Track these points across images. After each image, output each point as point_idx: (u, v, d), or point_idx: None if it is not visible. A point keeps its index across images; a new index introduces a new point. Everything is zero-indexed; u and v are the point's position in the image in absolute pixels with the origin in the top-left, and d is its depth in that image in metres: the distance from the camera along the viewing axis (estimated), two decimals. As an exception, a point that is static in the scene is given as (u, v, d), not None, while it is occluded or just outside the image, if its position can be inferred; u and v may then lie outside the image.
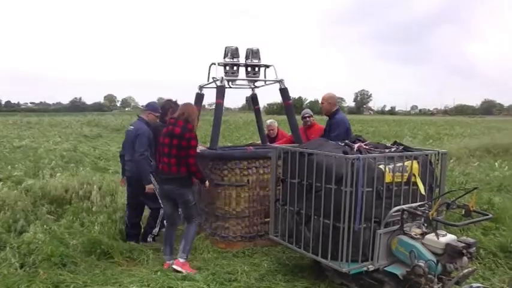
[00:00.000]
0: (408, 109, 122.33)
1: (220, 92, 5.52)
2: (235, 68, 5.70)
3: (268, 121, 7.29)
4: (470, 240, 3.56)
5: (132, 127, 5.26)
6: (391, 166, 3.82)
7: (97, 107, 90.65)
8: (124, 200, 6.36)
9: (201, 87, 5.93)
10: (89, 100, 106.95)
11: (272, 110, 70.12)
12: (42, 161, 10.07)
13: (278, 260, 4.78)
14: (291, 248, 4.31)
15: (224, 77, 5.56)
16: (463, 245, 3.45)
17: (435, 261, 3.43)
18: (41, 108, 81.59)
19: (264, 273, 4.35)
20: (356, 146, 4.10)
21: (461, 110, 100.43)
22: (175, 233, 4.79)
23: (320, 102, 5.87)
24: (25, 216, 5.47)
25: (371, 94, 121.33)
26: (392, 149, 4.21)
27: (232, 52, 5.67)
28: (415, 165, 4.01)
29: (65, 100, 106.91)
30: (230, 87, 5.85)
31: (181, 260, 4.42)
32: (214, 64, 5.61)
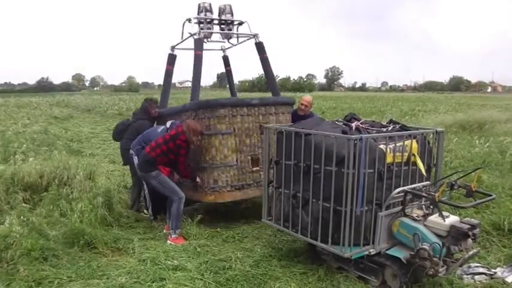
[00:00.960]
0: (379, 85, 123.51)
1: (199, 43, 5.50)
2: (209, 25, 5.71)
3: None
4: (474, 221, 3.47)
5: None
6: (391, 146, 3.67)
7: (65, 87, 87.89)
8: (104, 183, 6.17)
9: (173, 48, 5.97)
10: (56, 80, 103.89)
11: (244, 87, 69.51)
12: (12, 144, 9.52)
13: (271, 244, 4.62)
14: (287, 232, 4.14)
15: (201, 31, 5.56)
16: (468, 226, 3.37)
17: (440, 244, 3.33)
18: (6, 89, 78.58)
19: (259, 259, 4.18)
20: (354, 125, 3.92)
21: (430, 87, 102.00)
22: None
23: (303, 104, 5.90)
24: (-2, 205, 5.11)
25: (342, 71, 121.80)
26: (390, 128, 4.05)
27: (206, 8, 5.65)
28: (414, 144, 3.87)
29: (31, 80, 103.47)
30: (206, 42, 5.81)
31: (173, 236, 4.71)
32: (190, 21, 5.61)
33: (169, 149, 4.71)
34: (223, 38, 6.06)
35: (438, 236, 3.40)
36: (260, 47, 5.98)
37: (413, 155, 3.84)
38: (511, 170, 7.30)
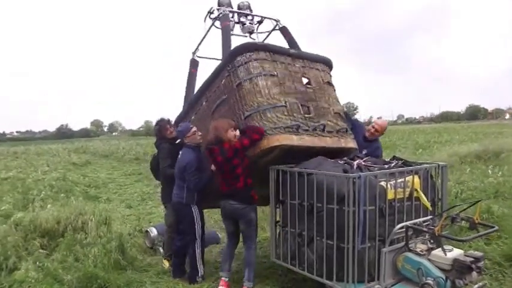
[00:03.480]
0: (395, 118, 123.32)
1: (225, 17, 5.46)
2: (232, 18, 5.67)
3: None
4: (478, 254, 3.48)
5: None
6: (392, 182, 3.76)
7: (84, 133, 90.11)
8: (119, 228, 6.28)
9: (194, 52, 5.79)
10: (75, 126, 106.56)
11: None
12: (31, 192, 9.84)
13: (281, 284, 4.64)
14: (294, 270, 4.20)
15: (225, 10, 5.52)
16: (471, 259, 3.38)
17: (444, 278, 3.35)
18: (27, 137, 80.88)
19: (269, 300, 4.21)
20: (355, 163, 4.03)
21: (446, 117, 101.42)
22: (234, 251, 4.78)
23: (374, 128, 5.48)
24: (16, 252, 5.26)
25: (357, 106, 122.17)
26: (392, 165, 4.15)
27: (227, 4, 5.66)
28: (416, 179, 3.95)
29: (51, 127, 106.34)
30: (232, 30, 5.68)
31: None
32: (211, 13, 5.56)
33: (247, 162, 4.35)
34: (244, 33, 5.89)
35: (442, 270, 3.41)
36: (285, 30, 5.78)
37: (416, 190, 3.92)
38: (524, 200, 7.22)
